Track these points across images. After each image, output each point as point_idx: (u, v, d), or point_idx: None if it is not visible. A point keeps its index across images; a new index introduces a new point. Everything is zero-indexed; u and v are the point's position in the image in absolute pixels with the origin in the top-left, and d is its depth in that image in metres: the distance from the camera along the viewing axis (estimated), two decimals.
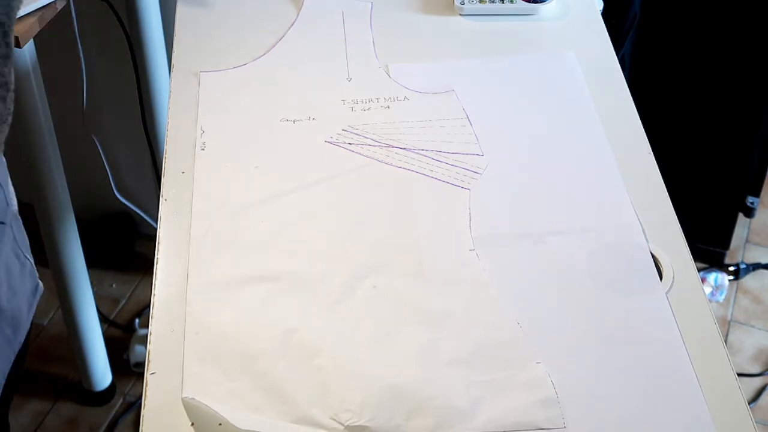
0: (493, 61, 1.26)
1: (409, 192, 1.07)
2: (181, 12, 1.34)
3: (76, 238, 1.73)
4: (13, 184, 1.19)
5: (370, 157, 1.11)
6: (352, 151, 1.12)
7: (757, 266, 2.26)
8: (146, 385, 0.88)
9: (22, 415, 1.94)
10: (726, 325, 2.16)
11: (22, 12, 1.34)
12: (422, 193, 1.07)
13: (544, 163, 1.11)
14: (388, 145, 1.12)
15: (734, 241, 2.25)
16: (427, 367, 0.89)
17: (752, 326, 2.16)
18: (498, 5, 1.32)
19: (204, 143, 1.13)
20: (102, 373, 1.93)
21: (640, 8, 1.81)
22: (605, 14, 1.37)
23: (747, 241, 2.34)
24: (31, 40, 1.40)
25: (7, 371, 1.13)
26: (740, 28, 1.88)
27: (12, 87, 0.94)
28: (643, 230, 1.03)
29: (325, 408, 0.85)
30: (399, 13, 1.34)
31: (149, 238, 2.08)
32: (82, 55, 1.74)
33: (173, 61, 1.25)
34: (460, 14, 1.33)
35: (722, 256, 2.25)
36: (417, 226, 1.03)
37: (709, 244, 2.22)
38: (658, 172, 1.10)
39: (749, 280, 2.25)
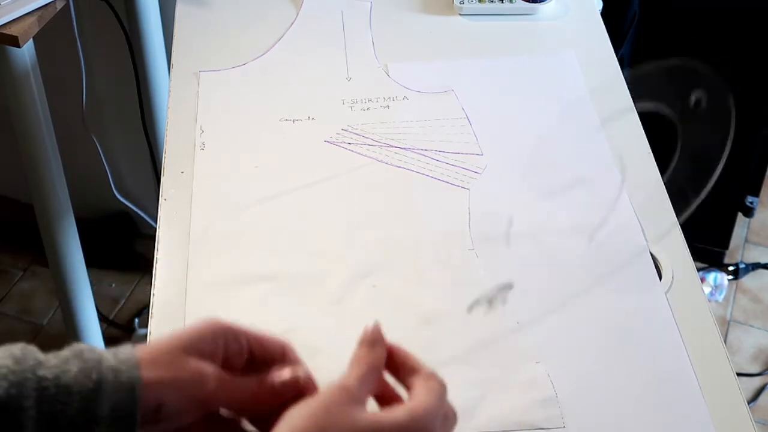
0: (493, 60, 1.26)
1: (408, 192, 1.07)
2: (181, 12, 1.34)
3: (76, 237, 1.73)
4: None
5: (370, 157, 1.11)
6: (352, 151, 1.12)
7: (756, 266, 2.26)
8: None
9: None
10: (725, 325, 2.16)
11: (21, 12, 1.35)
12: (422, 193, 1.07)
13: (544, 162, 1.12)
14: (388, 145, 1.12)
15: (733, 241, 2.25)
16: (427, 366, 0.89)
17: (751, 326, 2.16)
18: (497, 5, 1.32)
19: (203, 143, 1.13)
20: None
21: (640, 8, 1.81)
22: (605, 14, 1.37)
23: (746, 240, 2.34)
24: (31, 40, 1.40)
25: None
26: (740, 28, 1.88)
27: None
28: (643, 230, 1.03)
29: None
30: (398, 12, 1.34)
31: (149, 237, 2.08)
32: (82, 55, 1.75)
33: (173, 61, 1.25)
34: (460, 14, 1.33)
35: (721, 255, 2.25)
36: (417, 226, 1.03)
37: (708, 244, 2.22)
38: (658, 171, 1.10)
39: (748, 280, 2.25)
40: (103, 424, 0.58)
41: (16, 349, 0.59)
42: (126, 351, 0.61)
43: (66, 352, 0.60)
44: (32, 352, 0.59)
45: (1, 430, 0.56)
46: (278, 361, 0.67)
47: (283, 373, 0.66)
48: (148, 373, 0.60)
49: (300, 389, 0.67)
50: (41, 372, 0.58)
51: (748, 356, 2.10)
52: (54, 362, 0.59)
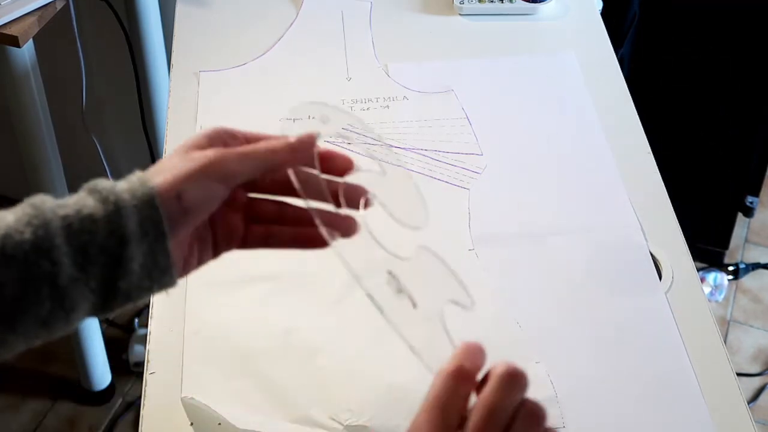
0: (493, 60, 1.26)
1: None
2: (181, 12, 1.34)
3: None
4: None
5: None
6: (352, 151, 1.12)
7: (756, 266, 2.26)
8: (145, 385, 0.88)
9: (22, 415, 1.94)
10: (725, 325, 2.16)
11: (21, 12, 1.34)
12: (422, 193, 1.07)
13: (544, 162, 1.12)
14: (388, 145, 1.12)
15: (733, 241, 2.25)
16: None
17: (751, 326, 2.16)
18: (497, 5, 1.32)
19: None
20: (101, 373, 1.93)
21: (640, 8, 1.81)
22: (605, 14, 1.37)
23: (746, 240, 2.34)
24: (31, 40, 1.40)
25: None
26: (739, 28, 1.88)
27: None
28: (643, 230, 1.03)
29: (324, 408, 0.85)
30: (398, 12, 1.34)
31: None
32: (81, 55, 1.74)
33: (173, 61, 1.25)
34: (460, 14, 1.33)
35: (721, 255, 2.25)
36: None
37: (708, 244, 2.22)
38: (658, 172, 1.10)
39: (748, 280, 2.25)
40: (133, 240, 0.59)
41: (33, 199, 0.60)
42: (134, 174, 0.62)
43: (79, 192, 0.62)
44: (48, 198, 0.60)
45: (39, 271, 0.57)
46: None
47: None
48: (159, 178, 0.61)
49: (316, 140, 0.68)
50: (62, 211, 0.59)
51: (748, 356, 2.10)
52: (71, 201, 0.60)
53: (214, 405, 0.85)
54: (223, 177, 0.62)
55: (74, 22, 1.68)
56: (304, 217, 0.68)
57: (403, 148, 1.12)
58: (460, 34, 1.30)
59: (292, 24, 1.32)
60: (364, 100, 1.18)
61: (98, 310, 0.61)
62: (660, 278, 0.98)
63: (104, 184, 0.61)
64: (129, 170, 0.63)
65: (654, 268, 0.99)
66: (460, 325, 0.93)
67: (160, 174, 0.61)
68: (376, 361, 0.89)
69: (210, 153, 0.62)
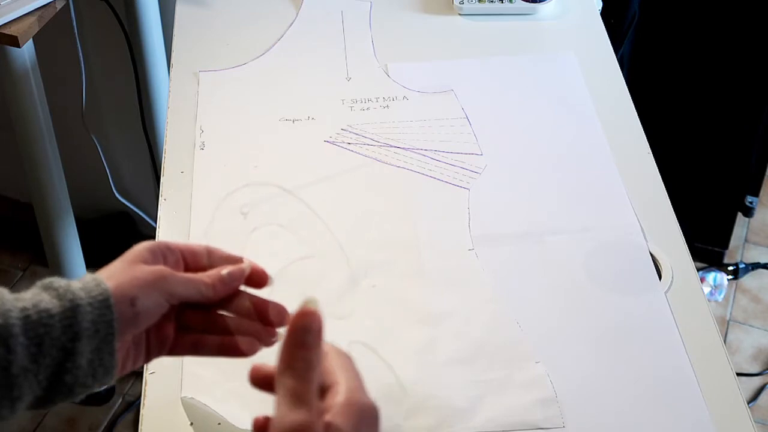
0: (492, 60, 1.26)
1: (408, 192, 1.07)
2: (181, 12, 1.34)
3: (76, 238, 1.73)
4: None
5: (370, 157, 1.11)
6: (352, 151, 1.12)
7: (755, 266, 2.26)
8: (145, 385, 0.88)
9: (21, 415, 1.94)
10: (725, 325, 2.16)
11: (21, 12, 1.35)
12: (422, 193, 1.07)
13: (544, 162, 1.12)
14: (388, 145, 1.12)
15: (733, 241, 2.25)
16: (426, 366, 0.89)
17: (751, 326, 2.16)
18: (497, 5, 1.32)
19: (203, 143, 1.13)
20: None
21: (639, 8, 1.81)
22: (604, 14, 1.37)
23: (746, 240, 2.34)
24: (31, 40, 1.40)
25: None
26: (739, 28, 1.88)
27: None
28: (643, 230, 1.03)
29: None
30: (398, 12, 1.34)
31: (149, 238, 2.07)
32: (81, 55, 1.74)
33: (172, 61, 1.25)
34: (459, 14, 1.33)
35: (721, 255, 2.25)
36: (416, 226, 1.03)
37: (708, 244, 2.22)
38: (658, 172, 1.10)
39: (748, 280, 2.25)
40: (85, 337, 0.62)
41: None
42: (86, 276, 0.65)
43: (34, 288, 0.64)
44: (5, 290, 0.63)
45: None
46: (207, 265, 0.72)
47: (228, 266, 0.71)
48: (112, 282, 0.64)
49: (246, 276, 0.73)
50: (20, 304, 0.61)
51: (747, 356, 2.10)
52: (28, 295, 0.63)
53: (214, 405, 0.85)
54: (169, 294, 0.66)
55: (74, 22, 1.68)
56: (230, 327, 0.71)
57: (403, 148, 1.12)
58: (460, 34, 1.30)
59: (291, 24, 1.32)
60: (364, 100, 1.19)
61: (40, 402, 0.63)
62: (660, 278, 0.98)
63: (59, 282, 0.64)
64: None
65: (654, 268, 0.99)
66: (460, 326, 0.94)
67: (113, 278, 0.65)
68: (375, 361, 0.89)
69: (159, 269, 0.66)
